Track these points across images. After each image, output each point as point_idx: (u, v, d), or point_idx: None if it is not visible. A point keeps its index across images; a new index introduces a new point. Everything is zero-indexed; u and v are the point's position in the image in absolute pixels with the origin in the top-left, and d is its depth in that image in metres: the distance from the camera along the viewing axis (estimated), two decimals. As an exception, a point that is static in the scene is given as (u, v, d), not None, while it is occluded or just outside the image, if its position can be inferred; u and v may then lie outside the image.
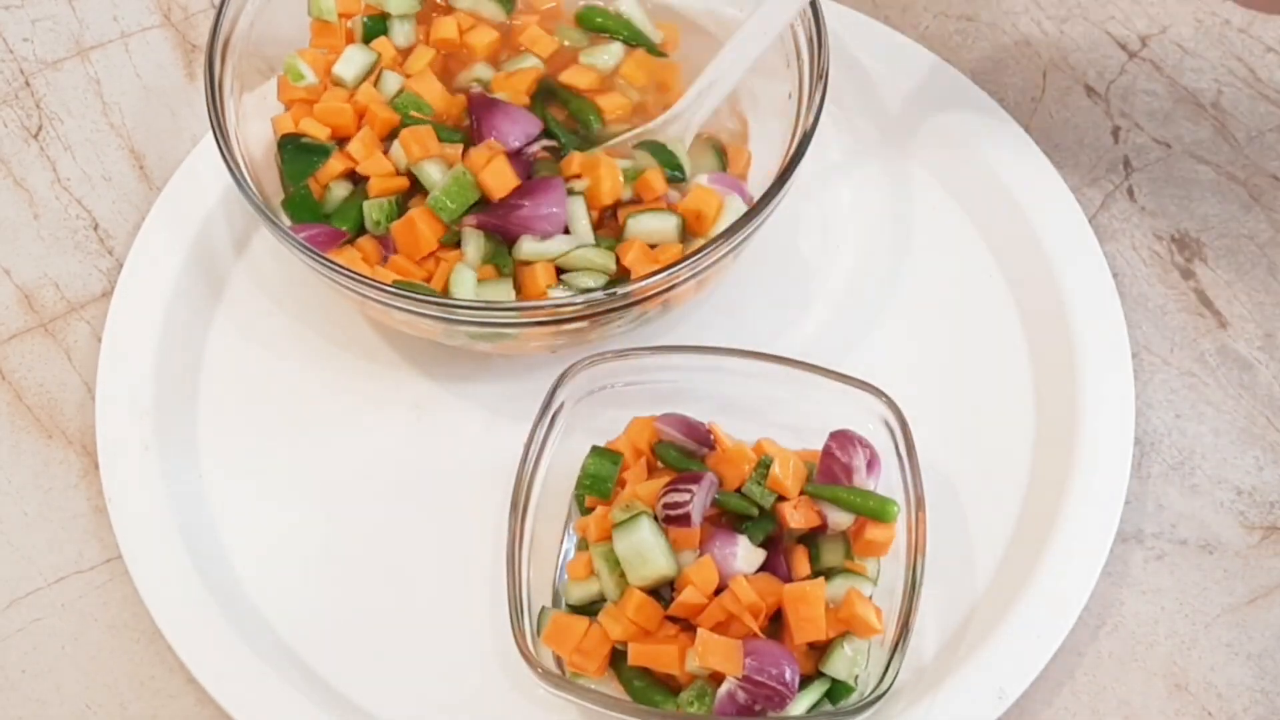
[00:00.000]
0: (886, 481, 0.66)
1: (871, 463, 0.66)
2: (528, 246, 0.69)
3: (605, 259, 0.69)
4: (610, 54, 0.76)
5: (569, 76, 0.75)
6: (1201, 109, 0.82)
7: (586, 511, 0.67)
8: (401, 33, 0.76)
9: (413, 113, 0.73)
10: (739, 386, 0.69)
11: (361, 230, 0.71)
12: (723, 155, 0.74)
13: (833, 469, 0.66)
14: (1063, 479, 0.68)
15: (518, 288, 0.69)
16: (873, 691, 0.61)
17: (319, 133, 0.72)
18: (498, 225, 0.69)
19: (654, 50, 0.77)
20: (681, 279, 0.65)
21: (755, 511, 0.65)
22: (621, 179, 0.70)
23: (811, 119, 0.68)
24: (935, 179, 0.79)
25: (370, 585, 0.69)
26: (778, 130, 0.72)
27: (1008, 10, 0.85)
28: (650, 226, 0.70)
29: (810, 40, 0.70)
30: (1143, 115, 0.81)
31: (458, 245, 0.70)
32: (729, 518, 0.66)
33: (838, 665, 0.62)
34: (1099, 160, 0.80)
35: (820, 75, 0.69)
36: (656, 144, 0.72)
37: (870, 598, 0.64)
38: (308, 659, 0.67)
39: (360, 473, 0.72)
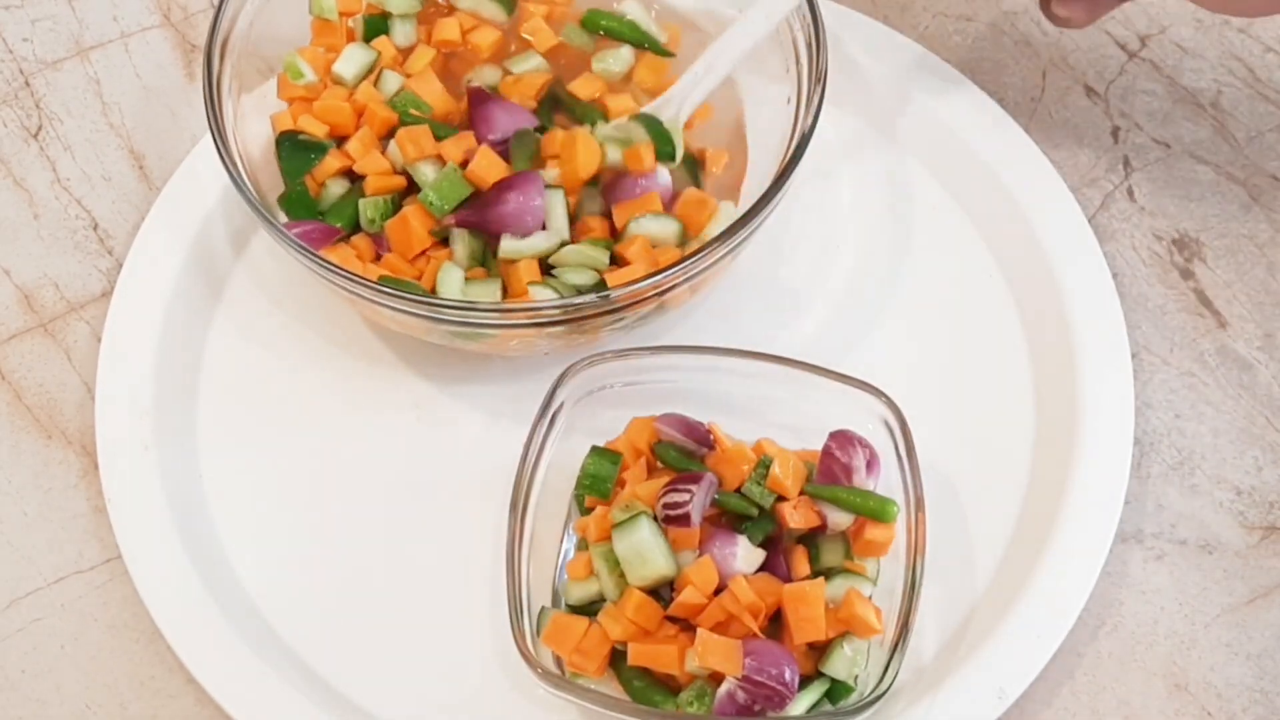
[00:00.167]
0: (886, 481, 0.66)
1: (871, 463, 0.66)
2: (507, 244, 0.69)
3: (597, 256, 0.69)
4: (619, 60, 0.76)
5: (578, 87, 0.75)
6: (1201, 109, 0.82)
7: (586, 511, 0.67)
8: (402, 32, 0.76)
9: (412, 111, 0.73)
10: (738, 386, 0.69)
11: (357, 228, 0.71)
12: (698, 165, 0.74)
13: (832, 469, 0.66)
14: (1062, 479, 0.68)
15: (505, 287, 0.69)
16: (872, 691, 0.61)
17: (317, 130, 0.72)
18: (477, 222, 0.69)
19: (661, 51, 0.77)
20: (675, 282, 0.65)
21: (755, 511, 0.65)
22: (602, 148, 0.70)
23: (810, 119, 0.68)
24: (935, 179, 0.79)
25: (370, 585, 0.69)
26: (777, 130, 0.72)
27: (1007, 10, 0.85)
28: (651, 229, 0.70)
29: (809, 41, 0.70)
30: (1142, 115, 0.82)
31: (447, 243, 0.70)
32: (728, 518, 0.66)
33: (837, 665, 0.62)
34: (1098, 160, 0.80)
35: (819, 76, 0.69)
36: (650, 118, 0.72)
37: (870, 598, 0.64)
38: (307, 659, 0.67)
39: (360, 473, 0.72)
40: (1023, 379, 0.73)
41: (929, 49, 0.81)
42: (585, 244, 0.69)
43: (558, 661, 0.64)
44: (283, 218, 0.71)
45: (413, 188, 0.72)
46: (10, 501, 0.72)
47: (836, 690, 0.63)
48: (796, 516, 0.64)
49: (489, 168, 0.70)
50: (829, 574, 0.64)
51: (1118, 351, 0.71)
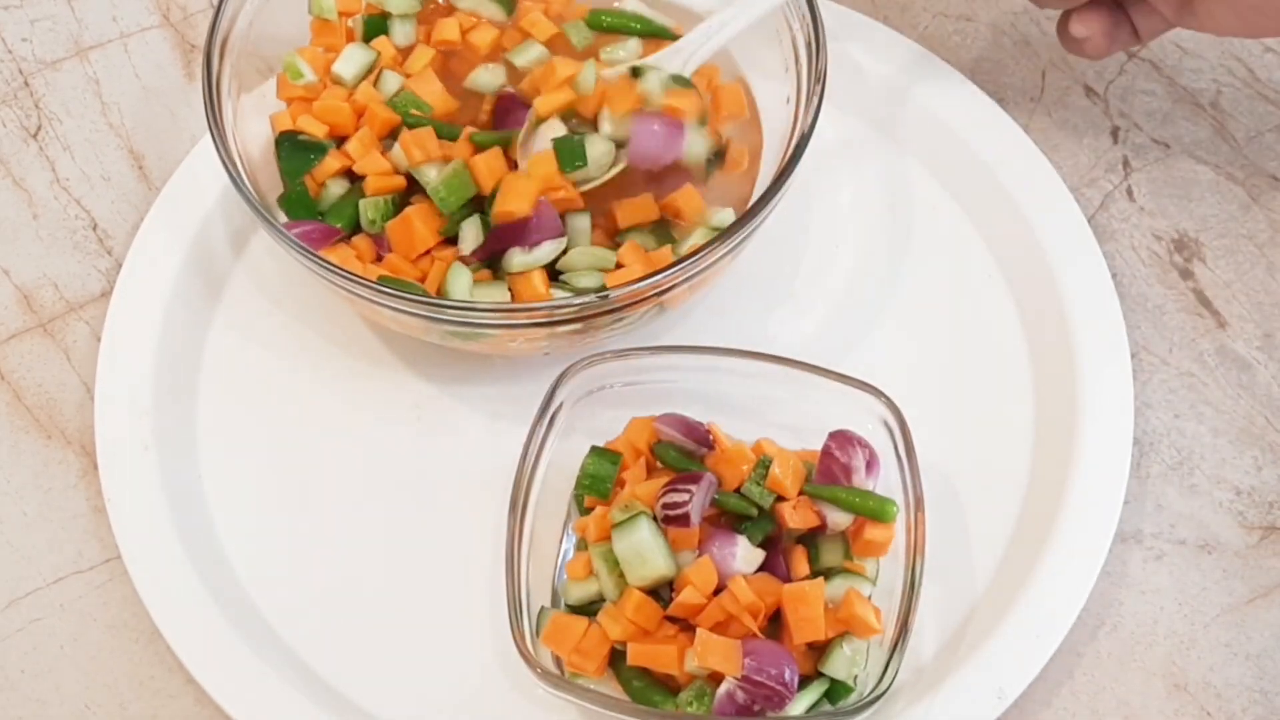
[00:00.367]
0: (886, 481, 0.66)
1: (871, 463, 0.66)
2: (517, 259, 0.69)
3: (604, 258, 0.69)
4: (627, 51, 0.76)
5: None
6: (1200, 109, 0.82)
7: (586, 511, 0.67)
8: (402, 32, 0.76)
9: (413, 111, 0.73)
10: (738, 386, 0.69)
11: (357, 229, 0.71)
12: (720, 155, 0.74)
13: (832, 469, 0.66)
14: (1062, 479, 0.68)
15: (512, 290, 0.69)
16: (872, 691, 0.61)
17: (317, 130, 0.72)
18: (496, 250, 0.69)
19: (672, 37, 0.77)
20: (675, 282, 0.65)
21: (754, 512, 0.65)
22: (590, 77, 0.71)
23: (810, 119, 0.68)
24: (934, 179, 0.79)
25: (370, 585, 0.69)
26: (776, 131, 0.72)
27: (1007, 10, 0.85)
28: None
29: (809, 41, 0.70)
30: (1142, 115, 0.81)
31: (454, 242, 0.70)
32: (728, 518, 0.66)
33: (837, 665, 0.62)
34: (1098, 160, 0.80)
35: (819, 76, 0.69)
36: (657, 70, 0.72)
37: (869, 598, 0.64)
38: (307, 659, 0.67)
39: (360, 473, 0.72)
40: (1022, 379, 0.73)
41: (929, 49, 0.81)
42: (592, 247, 0.69)
43: (557, 661, 0.64)
44: (282, 218, 0.71)
45: (413, 188, 0.72)
46: (10, 501, 0.72)
47: (836, 690, 0.63)
48: (796, 516, 0.64)
49: (491, 164, 0.70)
50: (828, 574, 0.64)
51: (1117, 351, 0.71)
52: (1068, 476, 0.68)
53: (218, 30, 0.70)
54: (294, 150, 0.72)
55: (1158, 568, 0.69)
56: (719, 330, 0.74)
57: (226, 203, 0.76)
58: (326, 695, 0.66)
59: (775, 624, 0.63)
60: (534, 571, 0.66)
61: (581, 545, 0.66)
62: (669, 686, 0.63)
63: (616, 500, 0.65)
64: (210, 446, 0.73)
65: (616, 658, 0.64)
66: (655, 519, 0.64)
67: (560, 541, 0.68)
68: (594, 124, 0.71)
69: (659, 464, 0.68)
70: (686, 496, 0.64)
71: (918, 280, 0.76)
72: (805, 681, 0.62)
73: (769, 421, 0.68)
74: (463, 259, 0.69)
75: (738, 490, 0.65)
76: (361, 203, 0.71)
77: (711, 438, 0.67)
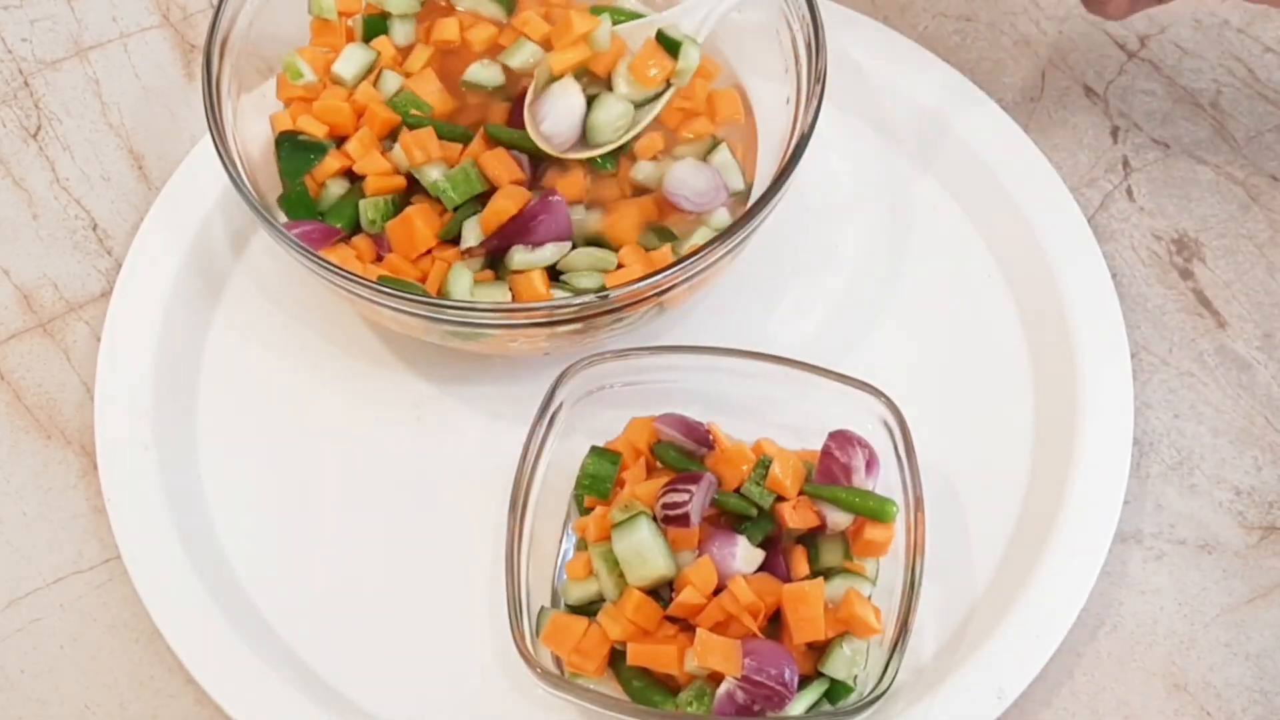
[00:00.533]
0: (885, 481, 0.66)
1: (870, 463, 0.66)
2: (519, 257, 0.69)
3: (605, 258, 0.69)
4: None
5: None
6: (1200, 109, 0.82)
7: (585, 511, 0.67)
8: (401, 32, 0.76)
9: (413, 111, 0.73)
10: (738, 386, 0.69)
11: (357, 229, 0.71)
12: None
13: (832, 469, 0.66)
14: (1062, 479, 0.68)
15: (512, 290, 0.69)
16: (872, 691, 0.61)
17: (317, 130, 0.72)
18: (500, 247, 0.69)
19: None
20: (674, 282, 0.65)
21: (754, 512, 0.65)
22: (606, 33, 0.70)
23: (810, 119, 0.68)
24: (934, 179, 0.79)
25: (370, 585, 0.69)
26: (776, 131, 0.72)
27: (1007, 10, 0.85)
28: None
29: (809, 41, 0.70)
30: (1141, 115, 0.81)
31: (454, 242, 0.70)
32: (728, 518, 0.66)
33: (837, 665, 0.62)
34: (1098, 160, 0.80)
35: (819, 76, 0.69)
36: (670, 40, 0.71)
37: (869, 598, 0.64)
38: (307, 659, 0.67)
39: (360, 473, 0.72)
40: (1022, 379, 0.73)
41: (929, 49, 0.81)
42: (593, 248, 0.69)
43: (557, 661, 0.64)
44: (282, 218, 0.71)
45: (413, 188, 0.72)
46: (10, 501, 0.72)
47: (836, 690, 0.63)
48: (796, 517, 0.64)
49: (503, 162, 0.70)
50: (828, 574, 0.64)
51: (1117, 351, 0.71)
52: (1068, 476, 0.68)
53: (218, 30, 0.70)
54: (294, 150, 0.72)
55: (1158, 568, 0.69)
56: (719, 330, 0.74)
57: (226, 203, 0.76)
58: (326, 695, 0.66)
59: (775, 624, 0.63)
60: (534, 571, 0.66)
61: (581, 545, 0.66)
62: (669, 686, 0.63)
63: (616, 500, 0.65)
64: (210, 446, 0.73)
65: (616, 658, 0.64)
66: (655, 519, 0.64)
67: (560, 541, 0.68)
68: (608, 83, 0.71)
69: (659, 464, 0.68)
70: (686, 496, 0.64)
71: (918, 280, 0.76)
72: (805, 681, 0.62)
73: (769, 421, 0.68)
74: (466, 253, 0.69)
75: (738, 490, 0.65)
76: (361, 203, 0.71)
77: (711, 438, 0.67)
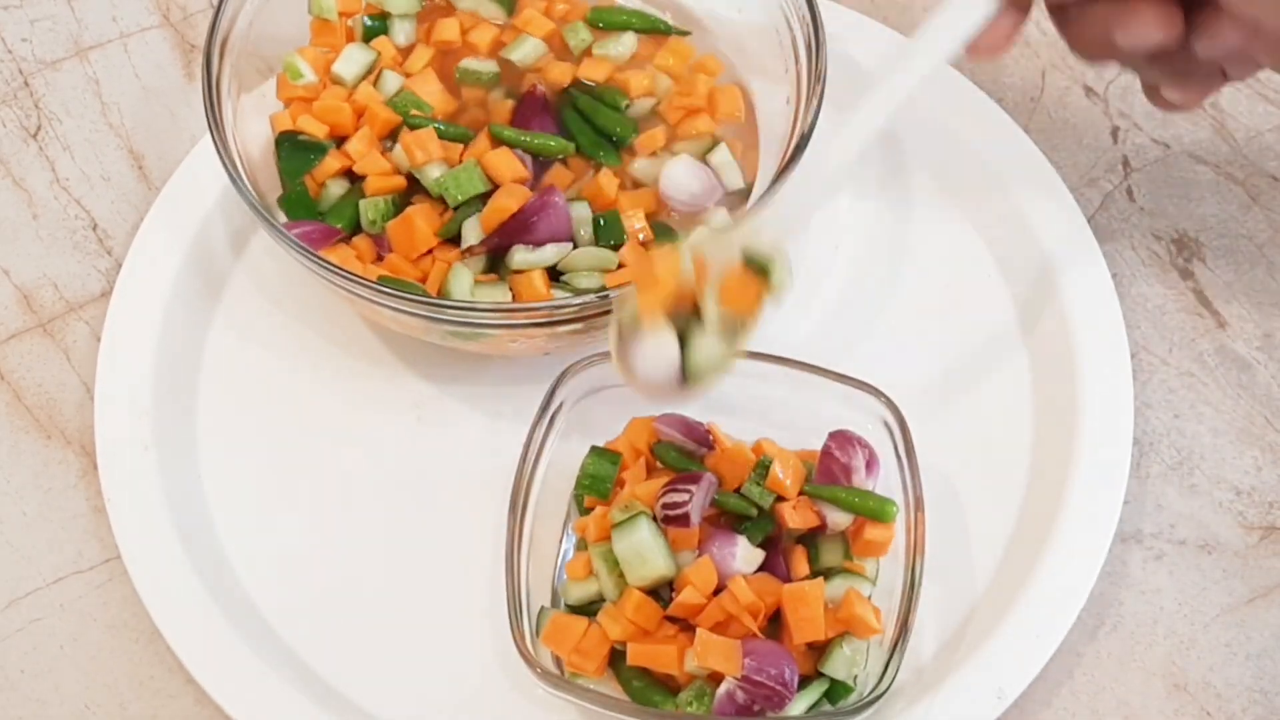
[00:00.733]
0: (885, 481, 0.66)
1: (870, 463, 0.66)
2: (520, 257, 0.69)
3: (605, 258, 0.69)
4: (621, 44, 0.76)
5: (588, 70, 0.75)
6: (1200, 109, 0.82)
7: (585, 511, 0.67)
8: (402, 32, 0.76)
9: (413, 112, 0.73)
10: (738, 386, 0.69)
11: (357, 229, 0.71)
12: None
13: (832, 469, 0.66)
14: (1062, 479, 0.68)
15: (513, 291, 0.69)
16: (872, 691, 0.61)
17: (317, 131, 0.72)
18: (500, 245, 0.69)
19: (674, 30, 0.77)
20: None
21: (754, 512, 0.65)
22: (687, 260, 0.60)
23: (810, 119, 0.68)
24: (934, 179, 0.79)
25: (370, 585, 0.69)
26: (776, 131, 0.72)
27: (1007, 10, 0.85)
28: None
29: (809, 41, 0.70)
30: (1141, 115, 0.81)
31: (454, 242, 0.70)
32: (728, 518, 0.66)
33: (837, 665, 0.62)
34: (1098, 160, 0.80)
35: (819, 76, 0.69)
36: (759, 262, 0.61)
37: (869, 598, 0.64)
38: (307, 659, 0.67)
39: (360, 473, 0.72)
40: (1022, 379, 0.73)
41: (929, 49, 0.81)
42: (594, 247, 0.69)
43: (557, 661, 0.64)
44: (282, 218, 0.71)
45: (414, 188, 0.72)
46: (10, 501, 0.72)
47: (836, 690, 0.63)
48: (796, 517, 0.64)
49: (505, 165, 0.70)
50: (828, 574, 0.64)
51: (1117, 351, 0.71)
52: (1068, 476, 0.68)
53: (218, 30, 0.70)
54: (294, 150, 0.72)
55: (1158, 568, 0.69)
56: (719, 330, 0.74)
57: (226, 203, 0.76)
58: (326, 695, 0.66)
59: (775, 624, 0.63)
60: (534, 571, 0.66)
61: (581, 545, 0.66)
62: (669, 686, 0.63)
63: (616, 500, 0.65)
64: (210, 446, 0.73)
65: (616, 658, 0.64)
66: (655, 519, 0.64)
67: (560, 541, 0.68)
68: (695, 309, 0.61)
69: (659, 464, 0.68)
70: (686, 496, 0.64)
71: (917, 280, 0.76)
72: (805, 681, 0.62)
73: (769, 421, 0.68)
74: (466, 253, 0.69)
75: (738, 490, 0.65)
76: (362, 203, 0.71)
77: (711, 438, 0.67)
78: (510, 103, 0.74)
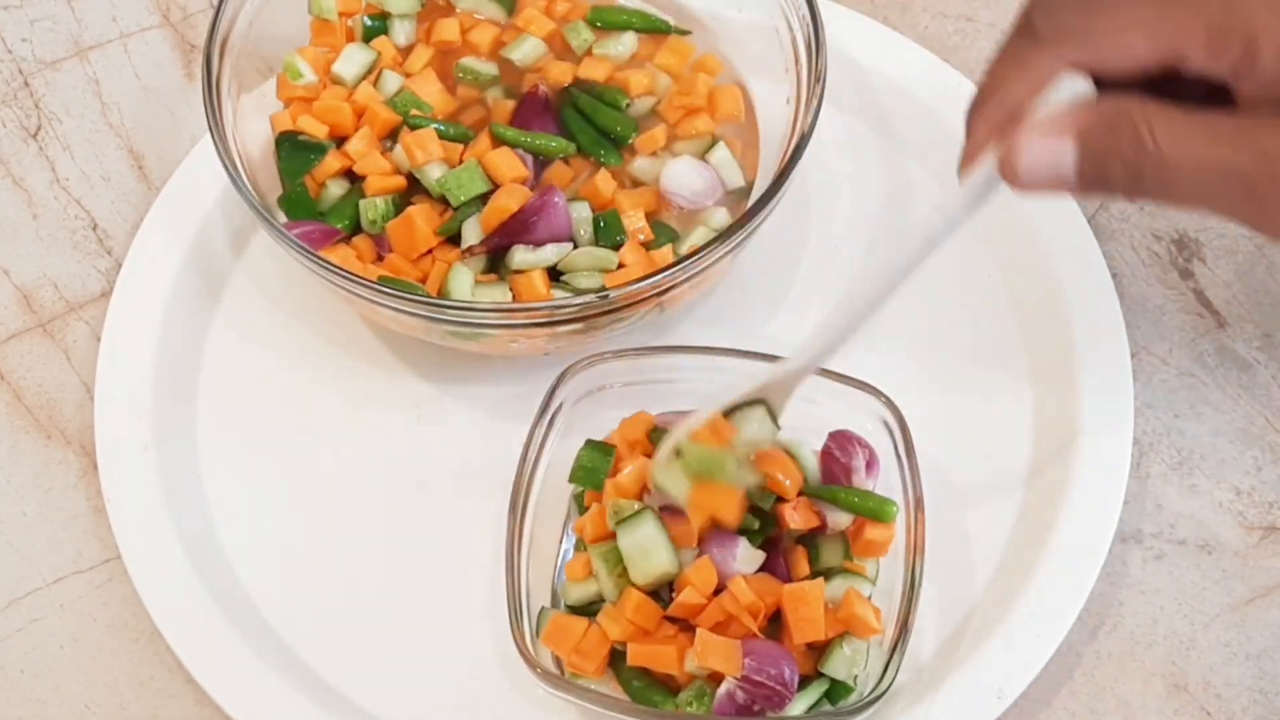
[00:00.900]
0: (885, 482, 0.66)
1: (871, 463, 0.66)
2: (520, 257, 0.69)
3: (605, 258, 0.69)
4: (621, 44, 0.76)
5: (588, 70, 0.75)
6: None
7: (585, 511, 0.67)
8: (402, 32, 0.76)
9: (414, 112, 0.73)
10: (738, 386, 0.69)
11: (358, 229, 0.71)
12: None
13: (832, 469, 0.66)
14: (1061, 479, 0.68)
15: (513, 291, 0.69)
16: (872, 691, 0.61)
17: (317, 131, 0.72)
18: (500, 245, 0.69)
19: (674, 30, 0.77)
20: (675, 282, 0.65)
21: (755, 524, 0.65)
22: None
23: (810, 119, 0.68)
24: (934, 179, 0.79)
25: (370, 585, 0.69)
26: (776, 131, 0.72)
27: (1007, 10, 0.85)
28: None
29: (809, 41, 0.70)
30: (1142, 115, 0.81)
31: (454, 242, 0.70)
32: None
33: (837, 665, 0.62)
34: (1098, 160, 0.80)
35: (819, 76, 0.69)
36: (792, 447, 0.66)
37: (869, 598, 0.64)
38: (307, 659, 0.67)
39: (360, 473, 0.72)
40: (1022, 379, 0.73)
41: (929, 49, 0.81)
42: (594, 247, 0.69)
43: (557, 662, 0.64)
44: (282, 218, 0.71)
45: (414, 188, 0.72)
46: (10, 501, 0.72)
47: (836, 690, 0.63)
48: (796, 517, 0.64)
49: (507, 165, 0.70)
50: (829, 574, 0.64)
51: (1118, 351, 0.71)
52: (1068, 476, 0.68)
53: (218, 30, 0.70)
54: (294, 150, 0.72)
55: (1158, 568, 0.69)
56: (719, 330, 0.74)
57: (226, 203, 0.76)
58: (326, 695, 0.66)
59: (775, 624, 0.63)
60: (534, 571, 0.66)
61: (581, 545, 0.66)
62: (669, 686, 0.63)
63: (607, 491, 0.65)
64: (210, 446, 0.73)
65: (616, 658, 0.64)
66: (659, 515, 0.64)
67: (560, 541, 0.68)
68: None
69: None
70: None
71: (917, 280, 0.76)
72: (805, 681, 0.62)
73: (769, 421, 0.68)
74: (467, 253, 0.69)
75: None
76: (362, 203, 0.71)
77: None
78: (511, 102, 0.74)
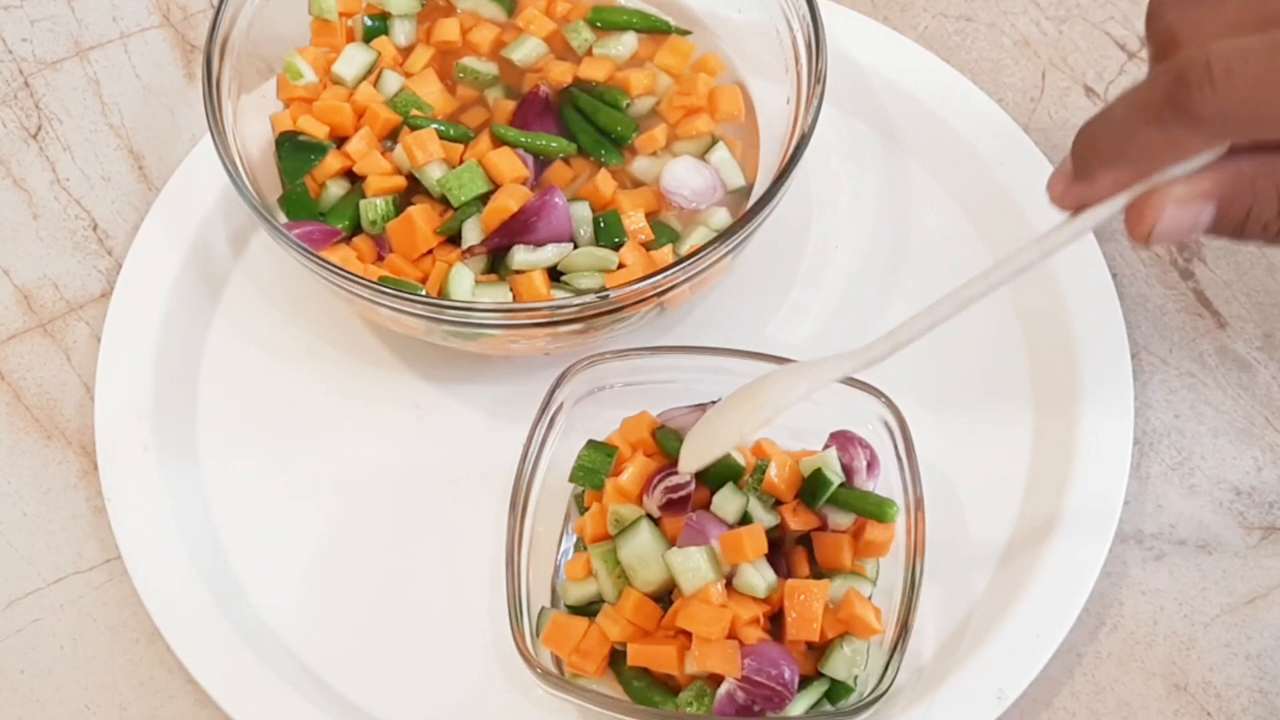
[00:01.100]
0: (886, 482, 0.66)
1: (871, 463, 0.66)
2: (520, 257, 0.69)
3: (605, 258, 0.69)
4: (621, 44, 0.76)
5: (589, 70, 0.75)
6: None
7: (586, 511, 0.67)
8: (402, 32, 0.76)
9: (414, 112, 0.73)
10: (738, 386, 0.69)
11: (358, 229, 0.71)
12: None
13: (833, 469, 0.66)
14: (1062, 479, 0.68)
15: (513, 291, 0.69)
16: (872, 692, 0.61)
17: (317, 131, 0.72)
18: (501, 245, 0.69)
19: (675, 30, 0.77)
20: (675, 283, 0.65)
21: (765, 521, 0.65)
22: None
23: (810, 120, 0.68)
24: (934, 179, 0.79)
25: (370, 585, 0.69)
26: (776, 132, 0.72)
27: (1007, 10, 0.85)
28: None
29: (809, 41, 0.70)
30: (1142, 115, 0.81)
31: (455, 242, 0.70)
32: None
33: (837, 665, 0.62)
34: (1098, 160, 0.80)
35: (819, 76, 0.69)
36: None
37: (870, 598, 0.64)
38: (307, 659, 0.67)
39: (360, 473, 0.72)
40: (1022, 379, 0.73)
41: (929, 49, 0.81)
42: (594, 247, 0.69)
43: (557, 662, 0.64)
44: (282, 218, 0.71)
45: (414, 188, 0.72)
46: (10, 501, 0.72)
47: (836, 690, 0.63)
48: (796, 518, 0.64)
49: (507, 165, 0.70)
50: (829, 574, 0.64)
51: (1118, 352, 0.71)
52: (1068, 476, 0.68)
53: (218, 30, 0.70)
54: (294, 150, 0.72)
55: (1158, 568, 0.69)
56: (719, 330, 0.74)
57: (226, 203, 0.76)
58: (326, 695, 0.66)
59: (775, 624, 0.63)
60: (534, 571, 0.66)
61: (581, 545, 0.66)
62: (669, 686, 0.63)
63: (607, 492, 0.65)
64: (210, 446, 0.73)
65: (616, 658, 0.64)
66: (656, 522, 0.64)
67: (560, 541, 0.68)
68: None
69: (662, 453, 0.67)
70: (688, 478, 0.64)
71: (917, 280, 0.76)
72: (805, 681, 0.62)
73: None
74: (467, 253, 0.69)
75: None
76: (362, 204, 0.71)
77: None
78: (511, 102, 0.74)
